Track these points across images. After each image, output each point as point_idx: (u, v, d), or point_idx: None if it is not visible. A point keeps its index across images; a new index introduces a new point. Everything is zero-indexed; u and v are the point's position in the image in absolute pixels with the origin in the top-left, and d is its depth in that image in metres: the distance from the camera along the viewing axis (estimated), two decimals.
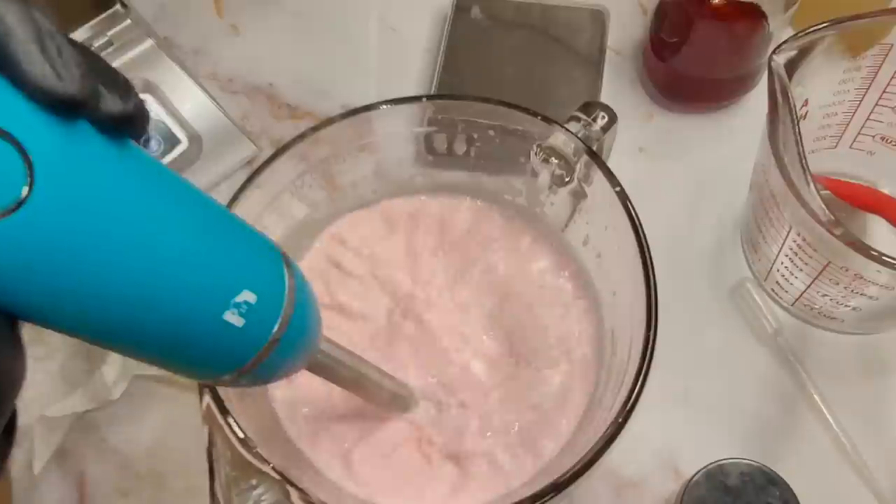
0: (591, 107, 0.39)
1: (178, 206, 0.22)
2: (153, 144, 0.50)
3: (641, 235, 0.34)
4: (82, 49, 0.19)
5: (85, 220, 0.18)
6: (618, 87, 0.53)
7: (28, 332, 0.20)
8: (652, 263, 0.34)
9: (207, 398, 0.31)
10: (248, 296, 0.23)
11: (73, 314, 0.19)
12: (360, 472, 0.36)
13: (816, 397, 0.43)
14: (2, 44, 0.17)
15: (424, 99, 0.40)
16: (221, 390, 0.31)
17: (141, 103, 0.20)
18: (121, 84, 0.20)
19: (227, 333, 0.23)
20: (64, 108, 0.18)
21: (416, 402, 0.37)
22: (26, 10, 0.17)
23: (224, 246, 0.23)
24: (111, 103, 0.19)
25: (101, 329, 0.20)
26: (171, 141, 0.50)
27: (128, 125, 0.20)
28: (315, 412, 0.38)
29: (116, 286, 0.19)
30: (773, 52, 0.37)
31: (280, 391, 0.38)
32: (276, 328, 0.24)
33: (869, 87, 0.43)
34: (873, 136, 0.45)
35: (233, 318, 0.22)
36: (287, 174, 0.38)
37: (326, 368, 0.30)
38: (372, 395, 0.34)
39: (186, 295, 0.21)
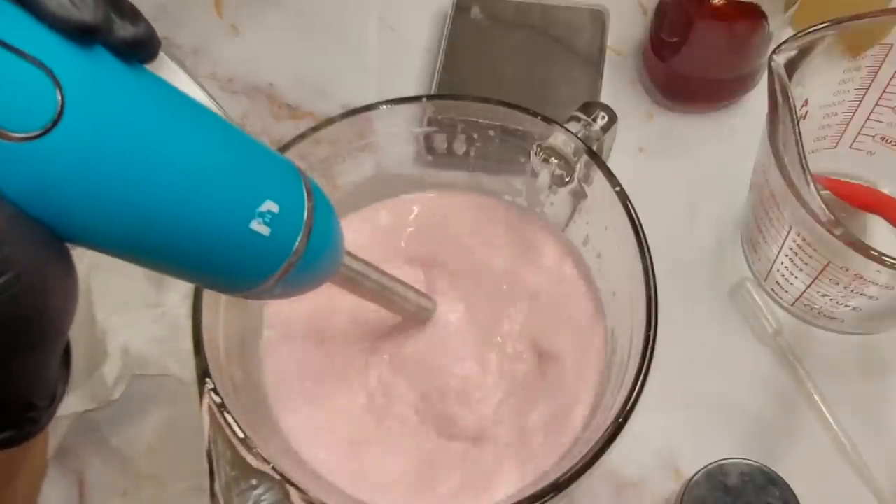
0: (591, 107, 0.39)
1: (197, 123, 0.23)
2: None
3: (641, 235, 0.34)
4: None
5: (113, 136, 0.20)
6: (618, 87, 0.53)
7: None
8: (652, 263, 0.34)
9: (207, 398, 0.31)
10: (271, 205, 0.24)
11: (108, 230, 0.21)
12: (363, 473, 0.36)
13: (816, 397, 0.43)
14: None
15: (424, 99, 0.40)
16: (221, 390, 0.31)
17: (150, 28, 0.22)
18: (128, 11, 0.22)
19: (255, 242, 0.24)
20: (81, 34, 0.19)
21: (435, 308, 0.39)
22: None
23: (243, 159, 0.25)
24: (123, 29, 0.21)
25: (135, 244, 0.22)
26: None
27: (140, 48, 0.22)
28: (320, 411, 0.38)
29: (146, 200, 0.21)
30: (773, 52, 0.37)
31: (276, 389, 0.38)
32: (300, 236, 0.26)
33: (869, 87, 0.43)
34: (873, 136, 0.45)
35: (259, 227, 0.24)
36: None
37: (352, 281, 0.32)
38: (397, 306, 0.36)
39: (213, 207, 0.23)
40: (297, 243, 0.26)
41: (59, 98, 0.19)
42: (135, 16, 0.22)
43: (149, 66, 0.23)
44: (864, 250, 0.36)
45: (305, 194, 0.27)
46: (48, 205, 0.19)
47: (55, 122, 0.18)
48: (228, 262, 0.24)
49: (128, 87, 0.21)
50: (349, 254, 0.32)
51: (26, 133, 0.18)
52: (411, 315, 0.38)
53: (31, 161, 0.18)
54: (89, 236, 0.21)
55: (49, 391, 0.23)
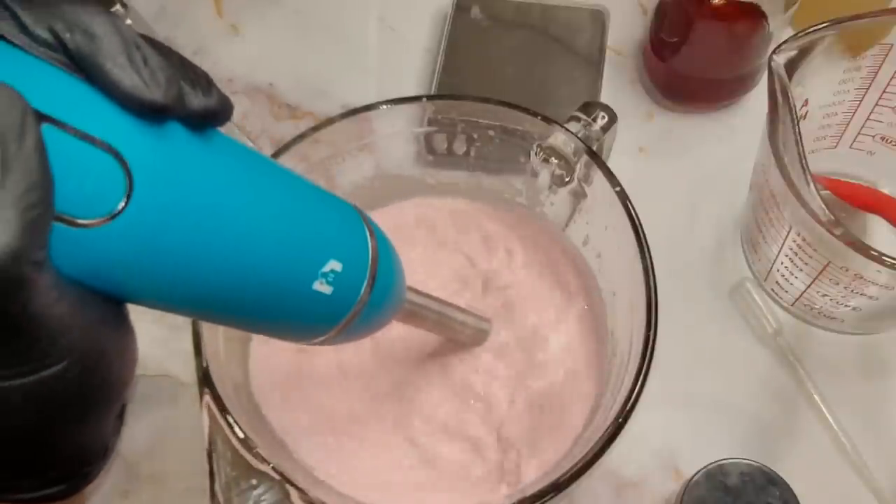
0: (591, 107, 0.39)
1: (264, 188, 0.23)
2: None
3: (641, 235, 0.34)
4: (163, 49, 0.20)
5: (181, 213, 0.19)
6: (618, 87, 0.53)
7: None
8: (652, 263, 0.34)
9: (207, 398, 0.31)
10: (334, 265, 0.24)
11: (170, 296, 0.21)
12: (363, 472, 0.36)
13: (816, 397, 0.43)
14: (94, 58, 0.18)
15: (424, 99, 0.40)
16: (221, 390, 0.31)
17: (223, 96, 0.22)
18: (202, 80, 0.21)
19: (317, 301, 0.24)
20: (153, 113, 0.19)
21: (490, 330, 0.39)
22: (113, 21, 0.18)
23: (308, 221, 0.24)
24: (195, 101, 0.20)
25: (195, 306, 0.22)
26: None
27: (212, 118, 0.21)
28: (319, 412, 0.38)
29: (210, 270, 0.21)
30: (773, 52, 0.37)
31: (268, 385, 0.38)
32: (363, 290, 0.26)
33: (869, 87, 0.43)
34: (873, 136, 0.45)
35: (322, 287, 0.24)
36: None
37: (414, 316, 0.32)
38: (456, 333, 0.36)
39: (276, 272, 0.23)
40: (359, 297, 0.26)
41: (128, 182, 0.18)
42: (207, 85, 0.21)
43: None
44: (864, 250, 0.36)
45: (370, 247, 0.26)
46: (113, 281, 0.19)
47: (123, 207, 0.18)
48: (289, 318, 0.24)
49: (197, 160, 0.20)
50: (410, 289, 0.31)
51: (93, 220, 0.18)
52: (469, 339, 0.37)
53: (97, 245, 0.18)
54: (151, 301, 0.21)
55: (103, 448, 0.23)
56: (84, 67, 0.18)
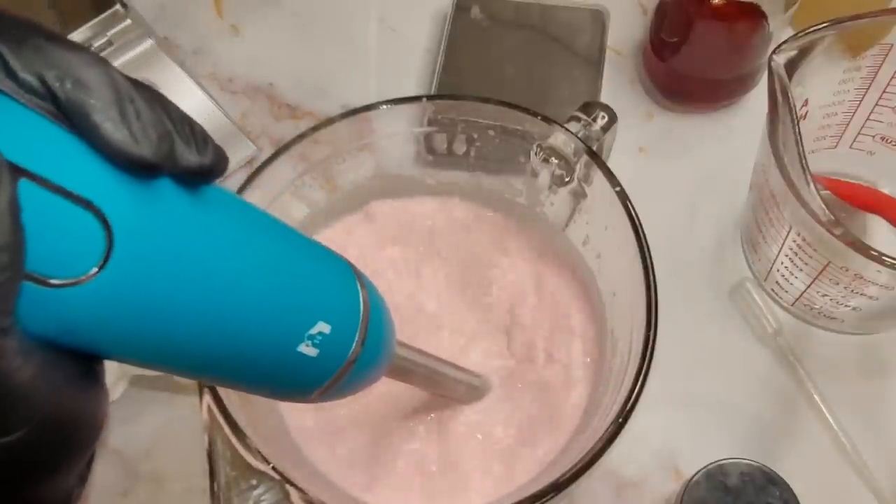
0: (591, 107, 0.39)
1: (255, 247, 0.22)
2: None
3: (641, 235, 0.34)
4: (159, 101, 0.19)
5: (163, 274, 0.18)
6: (618, 87, 0.53)
7: None
8: (652, 263, 0.34)
9: (207, 398, 0.31)
10: (322, 327, 0.23)
11: (152, 356, 0.20)
12: (362, 472, 0.36)
13: (816, 397, 0.43)
14: (83, 109, 0.17)
15: (424, 99, 0.40)
16: (221, 390, 0.31)
17: (219, 152, 0.20)
18: (198, 136, 0.20)
19: (301, 363, 0.23)
20: (142, 170, 0.18)
21: (490, 387, 0.38)
22: (108, 72, 0.18)
23: (298, 282, 0.23)
24: (189, 157, 0.19)
25: (172, 365, 0.21)
26: None
27: (205, 175, 0.20)
28: (322, 412, 0.38)
29: (192, 331, 0.20)
30: (773, 52, 0.37)
31: None
32: (350, 352, 0.24)
33: (869, 87, 0.43)
34: (873, 136, 0.45)
35: (307, 349, 0.23)
36: (287, 174, 0.38)
37: (403, 372, 0.31)
38: (449, 390, 0.35)
39: (260, 337, 0.21)
40: (346, 359, 0.24)
41: (108, 242, 0.17)
42: (203, 141, 0.20)
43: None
44: (864, 250, 0.36)
45: (361, 308, 0.25)
46: (86, 340, 0.18)
47: (101, 268, 0.17)
48: (269, 380, 0.23)
49: (184, 219, 0.19)
50: (401, 344, 0.30)
51: (67, 280, 0.17)
52: (463, 397, 0.37)
53: (70, 305, 0.17)
54: (125, 359, 0.20)
55: (66, 500, 0.21)
56: (72, 118, 0.17)
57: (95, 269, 0.17)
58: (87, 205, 0.17)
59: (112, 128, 0.17)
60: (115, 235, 0.17)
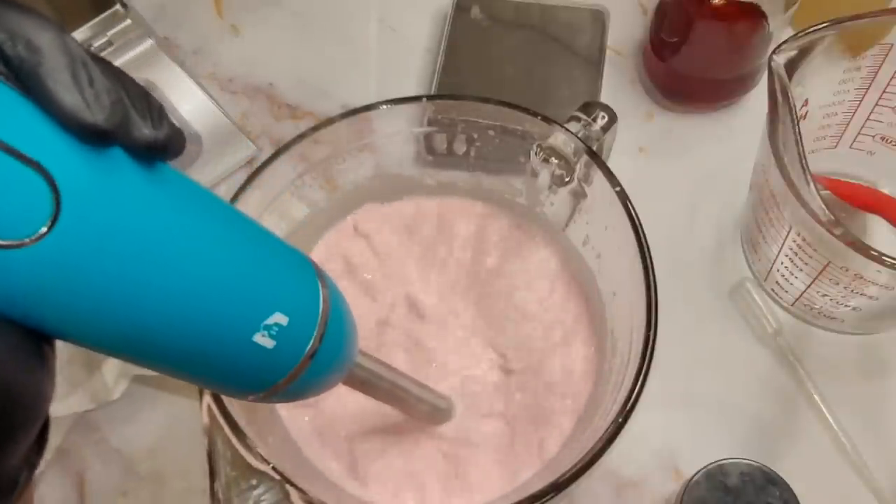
0: (591, 107, 0.39)
1: (210, 231, 0.21)
2: None
3: (641, 235, 0.34)
4: (116, 74, 0.19)
5: (112, 246, 0.18)
6: (618, 87, 0.53)
7: None
8: (652, 263, 0.34)
9: (207, 398, 0.31)
10: (279, 318, 0.23)
11: (98, 335, 0.20)
12: (363, 472, 0.36)
13: (816, 397, 0.43)
14: (34, 71, 0.17)
15: (424, 99, 0.40)
16: None
17: (175, 129, 0.20)
18: (154, 110, 0.20)
19: (256, 354, 0.23)
20: (93, 137, 0.18)
21: (454, 412, 0.37)
22: (60, 37, 0.17)
23: (255, 270, 0.23)
24: (143, 131, 0.19)
25: (121, 349, 0.21)
26: None
27: (160, 151, 0.20)
28: (320, 412, 0.38)
29: (141, 310, 0.19)
30: (773, 52, 0.37)
31: None
32: (308, 348, 0.24)
33: (869, 87, 0.43)
34: (873, 136, 0.45)
35: (263, 340, 0.22)
36: (287, 174, 0.38)
37: (363, 382, 0.30)
38: (411, 408, 0.34)
39: (214, 319, 0.21)
40: (303, 356, 0.24)
41: (55, 205, 0.17)
42: (159, 116, 0.20)
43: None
44: (864, 250, 0.36)
45: (321, 302, 0.25)
46: (30, 311, 0.18)
47: (47, 231, 0.17)
48: (225, 372, 0.23)
49: (137, 192, 0.19)
50: (363, 353, 0.29)
51: (12, 241, 0.16)
52: (425, 416, 0.36)
53: (14, 269, 0.17)
54: (71, 338, 0.19)
55: (11, 483, 0.20)
56: (24, 80, 0.17)
57: (43, 230, 0.17)
58: (35, 166, 0.17)
59: (63, 91, 0.17)
60: (62, 199, 0.17)
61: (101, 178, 0.18)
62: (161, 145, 0.20)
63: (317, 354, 0.24)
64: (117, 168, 0.19)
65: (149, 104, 0.20)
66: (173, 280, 0.20)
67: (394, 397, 0.32)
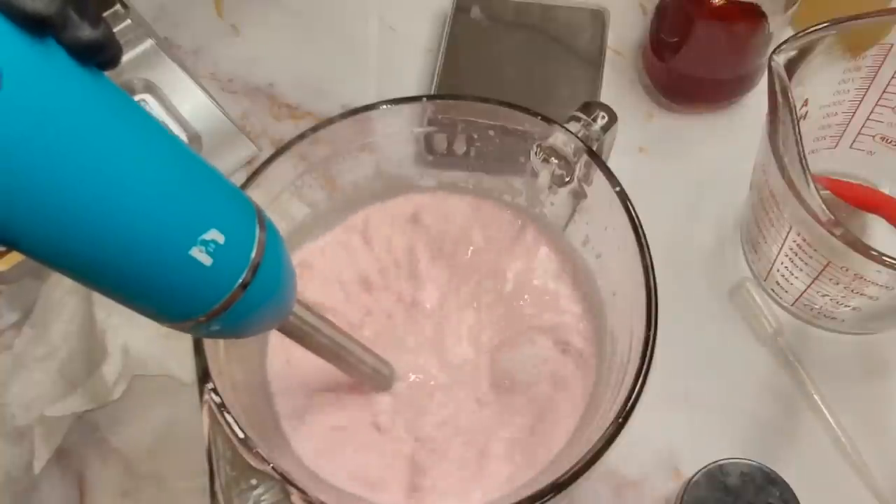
0: (591, 107, 0.39)
1: (145, 137, 0.22)
2: None
3: (641, 235, 0.34)
4: None
5: (46, 135, 0.19)
6: (618, 87, 0.53)
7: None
8: (652, 263, 0.34)
9: (208, 398, 0.31)
10: (216, 235, 0.23)
11: (24, 231, 0.20)
12: (362, 473, 0.36)
13: (816, 397, 0.43)
14: None
15: (424, 99, 0.40)
16: (221, 389, 0.31)
17: (110, 33, 0.21)
18: (91, 14, 0.21)
19: (194, 271, 0.23)
20: (31, 24, 0.19)
21: (397, 380, 0.37)
22: None
23: (193, 183, 0.23)
24: (80, 29, 0.20)
25: (55, 252, 0.21)
26: None
27: (96, 53, 0.21)
28: (323, 415, 0.38)
29: (76, 207, 0.20)
30: (773, 52, 0.37)
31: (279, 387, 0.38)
32: (245, 273, 0.24)
33: (869, 87, 0.43)
34: (873, 136, 0.45)
35: (200, 255, 0.23)
36: (287, 174, 0.38)
37: (301, 333, 0.31)
38: (352, 368, 0.34)
39: (152, 224, 0.22)
40: (240, 279, 0.24)
41: None
42: (96, 19, 0.21)
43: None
44: (864, 250, 0.36)
45: (258, 230, 0.25)
46: None
47: None
48: (162, 287, 0.23)
49: (73, 87, 0.20)
50: (302, 303, 0.30)
51: None
52: (367, 379, 0.36)
53: None
54: (3, 234, 0.20)
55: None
56: None
57: None
58: None
59: None
60: (3, 72, 0.18)
61: (39, 63, 0.19)
62: (97, 45, 0.21)
63: (250, 286, 0.25)
64: (56, 61, 0.20)
65: (86, 6, 0.21)
66: (107, 177, 0.20)
67: (333, 355, 0.33)
